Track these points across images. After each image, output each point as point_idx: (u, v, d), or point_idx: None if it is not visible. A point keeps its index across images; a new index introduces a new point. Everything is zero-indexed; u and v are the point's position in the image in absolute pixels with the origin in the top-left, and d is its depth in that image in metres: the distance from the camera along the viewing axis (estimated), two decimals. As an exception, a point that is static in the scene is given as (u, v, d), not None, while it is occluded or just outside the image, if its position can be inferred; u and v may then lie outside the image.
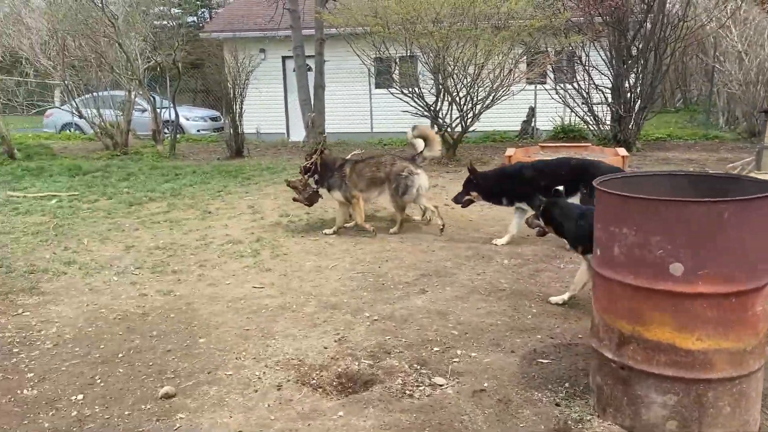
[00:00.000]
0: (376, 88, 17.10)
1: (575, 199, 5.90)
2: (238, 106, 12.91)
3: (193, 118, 19.81)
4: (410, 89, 11.39)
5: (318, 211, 7.79)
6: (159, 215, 8.02)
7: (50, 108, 19.53)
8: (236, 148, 12.83)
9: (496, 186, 6.41)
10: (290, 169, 11.25)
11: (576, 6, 12.20)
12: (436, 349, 3.99)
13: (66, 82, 13.65)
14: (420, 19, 10.02)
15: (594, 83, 12.81)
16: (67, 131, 20.76)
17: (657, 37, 11.96)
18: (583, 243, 4.24)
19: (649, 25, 12.07)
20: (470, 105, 11.21)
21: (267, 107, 18.26)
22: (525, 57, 11.34)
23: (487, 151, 13.42)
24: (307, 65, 17.93)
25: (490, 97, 11.09)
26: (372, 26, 10.61)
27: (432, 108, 11.62)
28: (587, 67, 12.69)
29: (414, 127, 7.34)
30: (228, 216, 7.93)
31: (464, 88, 10.99)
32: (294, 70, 18.01)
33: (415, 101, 11.54)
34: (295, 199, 7.21)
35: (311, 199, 7.16)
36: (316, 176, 7.00)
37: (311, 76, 14.48)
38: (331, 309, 4.70)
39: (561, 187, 4.70)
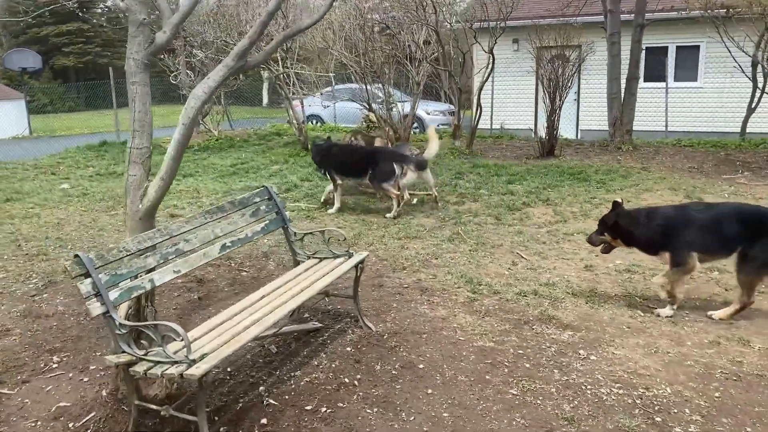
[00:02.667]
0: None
1: (362, 180, 7.81)
2: (558, 103, 11.68)
3: (433, 112, 18.94)
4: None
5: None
6: (548, 225, 7.02)
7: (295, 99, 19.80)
8: (549, 146, 11.65)
9: (323, 157, 8.00)
10: (633, 175, 9.84)
11: None
12: None
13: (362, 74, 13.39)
14: None
15: None
16: (310, 123, 21.18)
17: None
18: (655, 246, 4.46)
19: None
20: None
21: (515, 101, 17.06)
22: None
23: None
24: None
25: None
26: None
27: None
28: None
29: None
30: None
31: None
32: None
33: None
34: None
35: None
36: None
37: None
38: None
39: (620, 199, 4.66)
